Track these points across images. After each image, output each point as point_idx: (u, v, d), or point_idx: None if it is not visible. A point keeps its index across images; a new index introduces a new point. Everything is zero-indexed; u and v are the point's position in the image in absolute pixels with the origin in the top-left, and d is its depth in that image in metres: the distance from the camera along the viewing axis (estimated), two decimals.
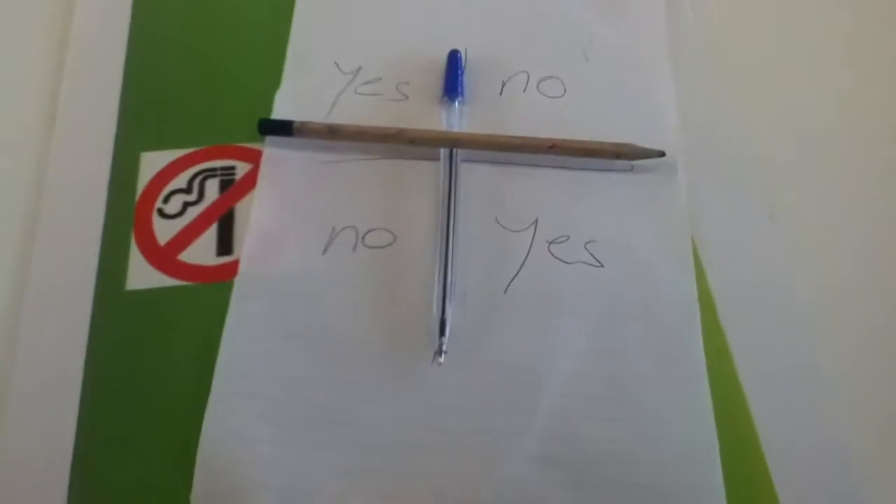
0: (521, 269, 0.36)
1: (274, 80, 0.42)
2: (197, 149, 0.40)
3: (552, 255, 0.37)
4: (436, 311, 0.35)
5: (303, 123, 0.39)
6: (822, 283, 0.38)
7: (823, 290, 0.37)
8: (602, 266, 0.36)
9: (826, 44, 0.46)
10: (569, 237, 0.37)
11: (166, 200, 0.38)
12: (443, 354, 0.34)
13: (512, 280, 0.36)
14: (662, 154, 0.38)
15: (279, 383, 0.33)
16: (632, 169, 0.39)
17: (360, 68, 0.42)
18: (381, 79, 0.42)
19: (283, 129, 0.39)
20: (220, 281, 0.36)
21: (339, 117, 0.40)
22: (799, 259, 0.38)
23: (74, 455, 0.32)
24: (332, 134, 0.39)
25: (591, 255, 0.37)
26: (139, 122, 0.40)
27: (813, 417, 0.34)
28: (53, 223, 0.37)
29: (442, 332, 0.34)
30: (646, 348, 0.35)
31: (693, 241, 0.38)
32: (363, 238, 0.37)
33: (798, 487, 0.32)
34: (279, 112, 0.40)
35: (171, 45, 0.43)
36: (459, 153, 0.39)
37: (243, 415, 0.33)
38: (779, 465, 0.33)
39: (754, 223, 0.39)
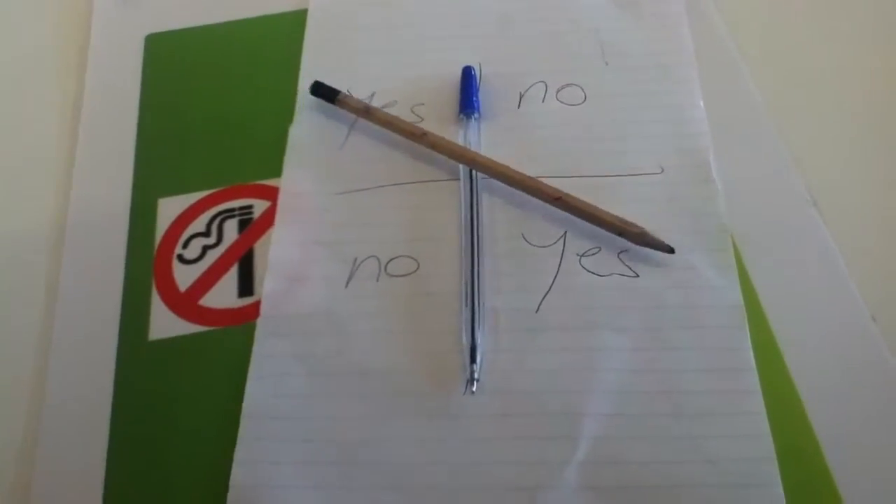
0: (552, 285, 0.35)
1: (287, 115, 0.41)
2: (213, 190, 0.39)
3: (584, 268, 0.35)
4: (465, 338, 0.33)
5: (345, 95, 0.40)
6: (875, 271, 0.35)
7: (877, 278, 0.35)
8: (637, 276, 0.35)
9: (858, 28, 0.44)
10: (600, 248, 0.35)
11: (185, 245, 0.37)
12: (475, 383, 0.32)
13: (544, 298, 0.34)
14: (671, 250, 0.34)
15: (308, 424, 0.32)
16: (662, 171, 0.37)
17: (373, 94, 0.41)
18: (395, 102, 0.41)
19: (330, 95, 0.40)
20: (243, 323, 0.35)
21: (355, 144, 0.40)
22: (847, 246, 0.35)
23: None
24: (367, 114, 0.40)
25: (625, 265, 0.35)
26: (155, 169, 0.40)
27: (875, 415, 0.32)
28: (75, 276, 0.37)
29: (473, 360, 0.32)
30: (692, 359, 0.33)
31: (732, 239, 0.35)
32: (386, 267, 0.36)
33: (864, 493, 0.30)
34: (294, 144, 0.40)
35: (183, 87, 0.43)
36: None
37: (272, 460, 0.31)
38: (843, 472, 0.30)
39: (795, 213, 0.37)
